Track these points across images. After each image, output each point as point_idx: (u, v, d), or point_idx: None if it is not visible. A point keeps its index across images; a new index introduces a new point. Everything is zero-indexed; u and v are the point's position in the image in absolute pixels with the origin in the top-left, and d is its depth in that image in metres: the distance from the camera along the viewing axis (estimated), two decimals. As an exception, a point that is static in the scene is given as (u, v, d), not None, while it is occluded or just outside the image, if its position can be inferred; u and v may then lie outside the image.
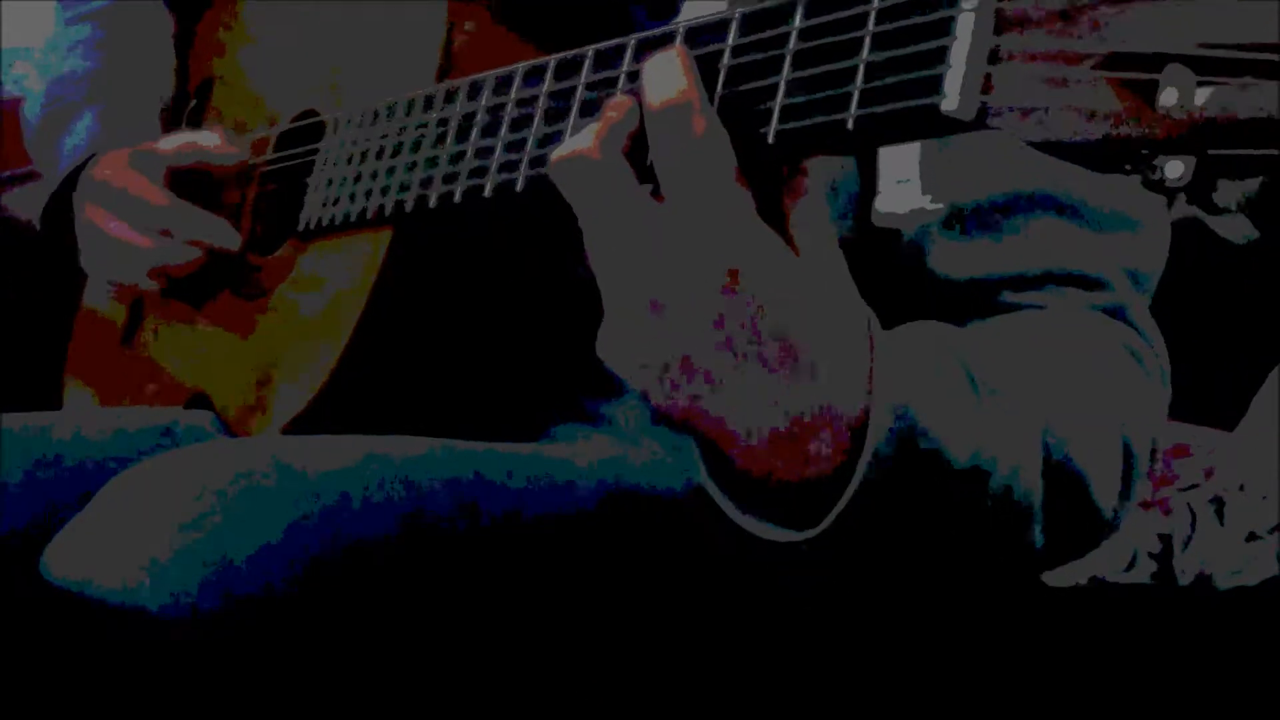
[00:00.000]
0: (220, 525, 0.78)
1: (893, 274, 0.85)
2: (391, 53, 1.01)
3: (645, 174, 0.64)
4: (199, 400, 1.14)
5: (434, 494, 0.85)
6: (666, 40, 0.68)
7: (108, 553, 0.79)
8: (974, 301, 0.85)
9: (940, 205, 0.63)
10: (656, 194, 0.64)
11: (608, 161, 0.64)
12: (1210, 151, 0.47)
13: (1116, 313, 0.85)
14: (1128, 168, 0.49)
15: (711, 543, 0.89)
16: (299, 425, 0.98)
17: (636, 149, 0.65)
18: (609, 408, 0.98)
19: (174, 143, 1.16)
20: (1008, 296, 0.84)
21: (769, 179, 0.64)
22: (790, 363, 0.63)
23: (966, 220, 0.85)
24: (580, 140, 0.65)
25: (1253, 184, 0.48)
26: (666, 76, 0.63)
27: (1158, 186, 0.48)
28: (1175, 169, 0.48)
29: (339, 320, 0.97)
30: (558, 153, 0.66)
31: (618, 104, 0.66)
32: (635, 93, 0.65)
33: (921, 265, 0.86)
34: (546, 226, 0.95)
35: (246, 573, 0.77)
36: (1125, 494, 0.80)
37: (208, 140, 1.15)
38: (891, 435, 0.64)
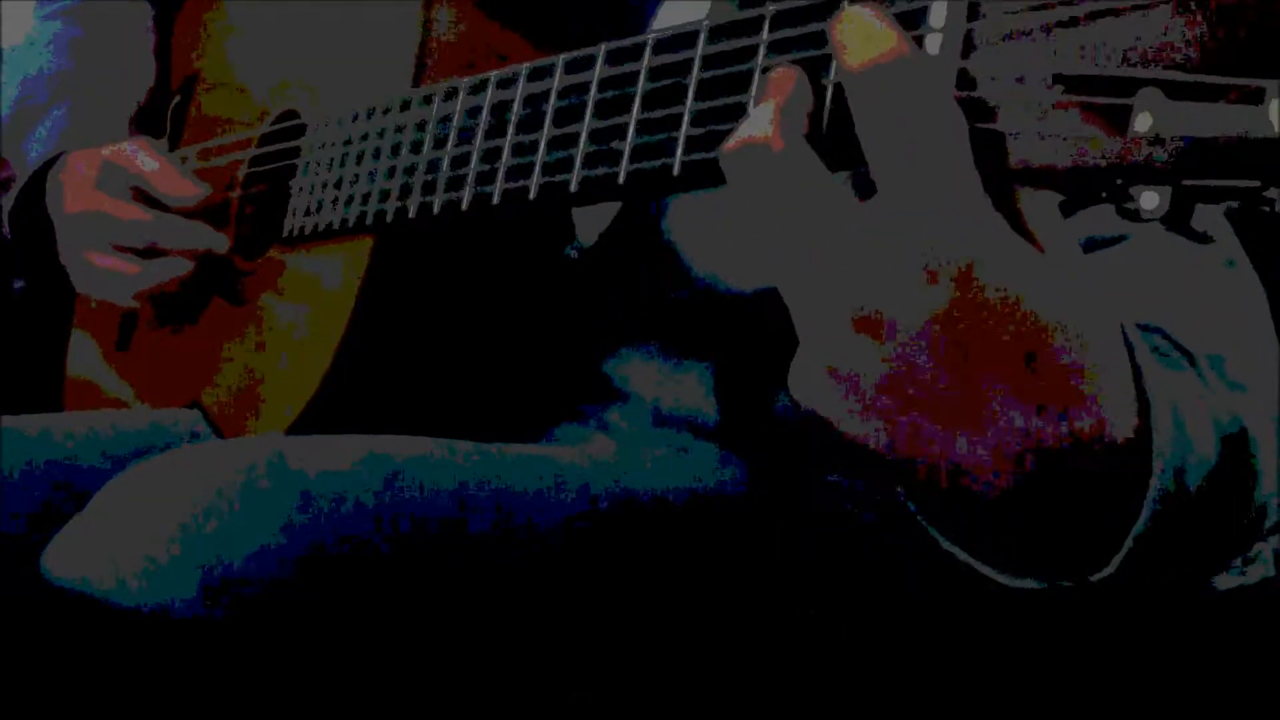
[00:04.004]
0: (219, 526, 0.78)
1: None
2: (368, 45, 1.00)
3: (831, 161, 0.53)
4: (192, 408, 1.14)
5: (434, 494, 0.85)
6: (638, 48, 0.64)
7: (107, 553, 0.79)
8: None
9: None
10: (856, 184, 0.53)
11: (792, 150, 0.53)
12: (1186, 182, 0.44)
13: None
14: (1104, 195, 0.46)
15: (713, 548, 0.89)
16: (294, 428, 0.98)
17: (812, 132, 0.54)
18: (609, 413, 0.98)
19: (127, 163, 1.15)
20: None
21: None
22: (1046, 375, 0.51)
23: None
24: (755, 125, 0.53)
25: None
26: (868, 31, 0.50)
27: (1134, 217, 0.46)
28: (1151, 200, 0.45)
29: (329, 323, 0.96)
30: (730, 141, 0.53)
31: (782, 77, 0.54)
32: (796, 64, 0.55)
33: None
34: (541, 227, 0.95)
35: (245, 573, 0.77)
36: None
37: (147, 165, 1.15)
38: (1177, 448, 0.55)
